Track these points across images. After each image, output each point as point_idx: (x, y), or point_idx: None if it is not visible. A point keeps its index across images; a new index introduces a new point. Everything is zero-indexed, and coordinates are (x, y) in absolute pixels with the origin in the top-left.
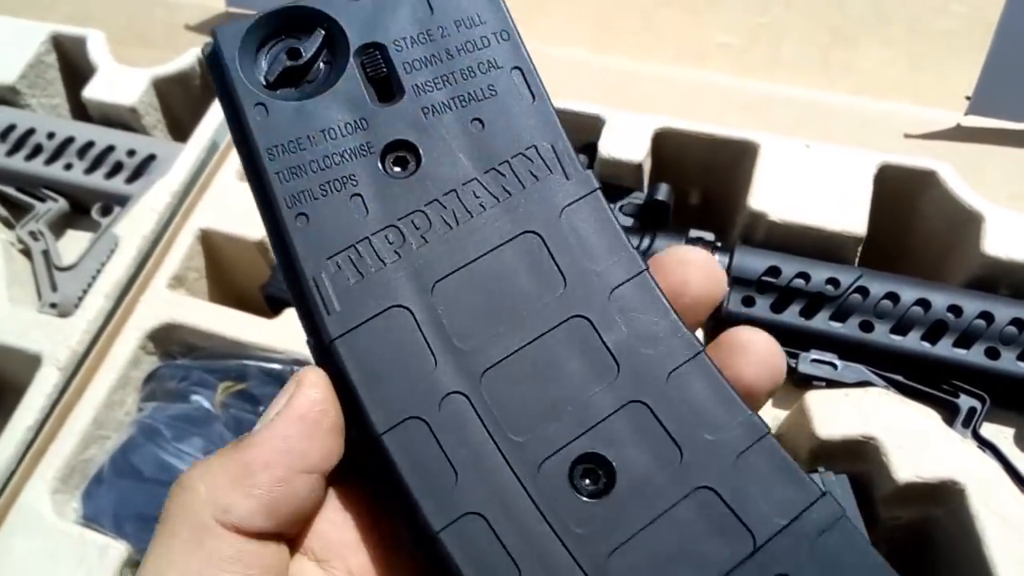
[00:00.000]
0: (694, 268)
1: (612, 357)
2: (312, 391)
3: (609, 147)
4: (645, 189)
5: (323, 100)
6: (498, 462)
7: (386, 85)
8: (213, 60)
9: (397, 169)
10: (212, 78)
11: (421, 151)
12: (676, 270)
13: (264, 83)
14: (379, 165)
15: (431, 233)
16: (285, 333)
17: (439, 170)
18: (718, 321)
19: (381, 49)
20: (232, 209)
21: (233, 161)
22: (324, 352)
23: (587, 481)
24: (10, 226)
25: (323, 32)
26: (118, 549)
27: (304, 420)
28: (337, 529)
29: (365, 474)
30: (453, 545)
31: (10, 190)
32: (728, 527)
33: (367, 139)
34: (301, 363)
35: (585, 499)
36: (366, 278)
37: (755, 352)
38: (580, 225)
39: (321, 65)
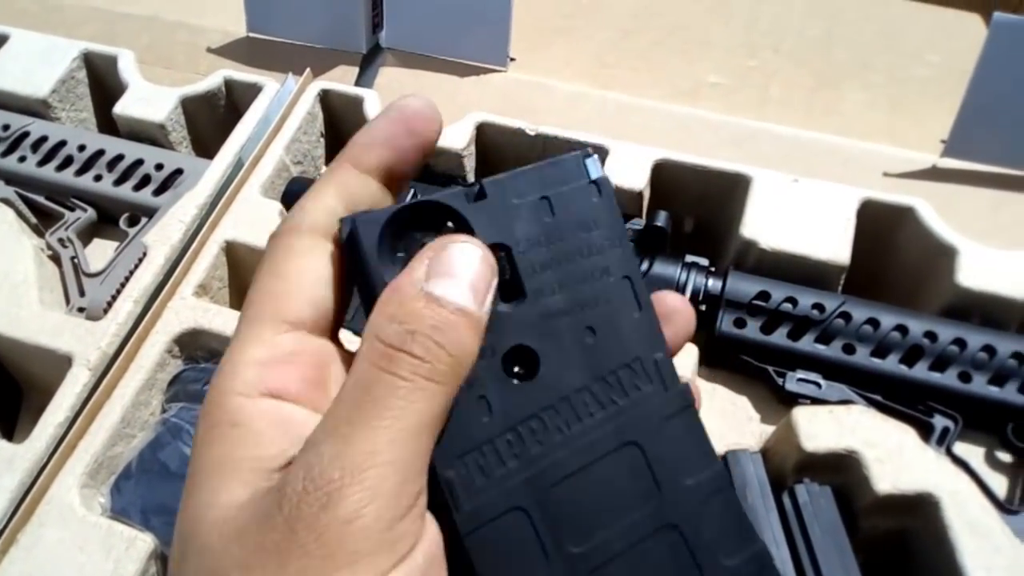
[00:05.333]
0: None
1: (698, 568)
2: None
3: (612, 176)
4: (644, 216)
5: None
6: None
7: (509, 286)
8: (352, 248)
9: (518, 372)
10: (348, 262)
11: (540, 357)
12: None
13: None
14: (501, 368)
15: (546, 438)
16: None
17: (555, 377)
18: (711, 341)
19: (507, 251)
20: (255, 223)
21: (257, 176)
22: (456, 545)
23: None
24: (40, 233)
25: (452, 229)
26: (145, 541)
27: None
28: None
29: None
30: None
31: (40, 199)
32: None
33: (492, 341)
34: None
35: None
36: (490, 479)
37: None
38: (676, 439)
39: None
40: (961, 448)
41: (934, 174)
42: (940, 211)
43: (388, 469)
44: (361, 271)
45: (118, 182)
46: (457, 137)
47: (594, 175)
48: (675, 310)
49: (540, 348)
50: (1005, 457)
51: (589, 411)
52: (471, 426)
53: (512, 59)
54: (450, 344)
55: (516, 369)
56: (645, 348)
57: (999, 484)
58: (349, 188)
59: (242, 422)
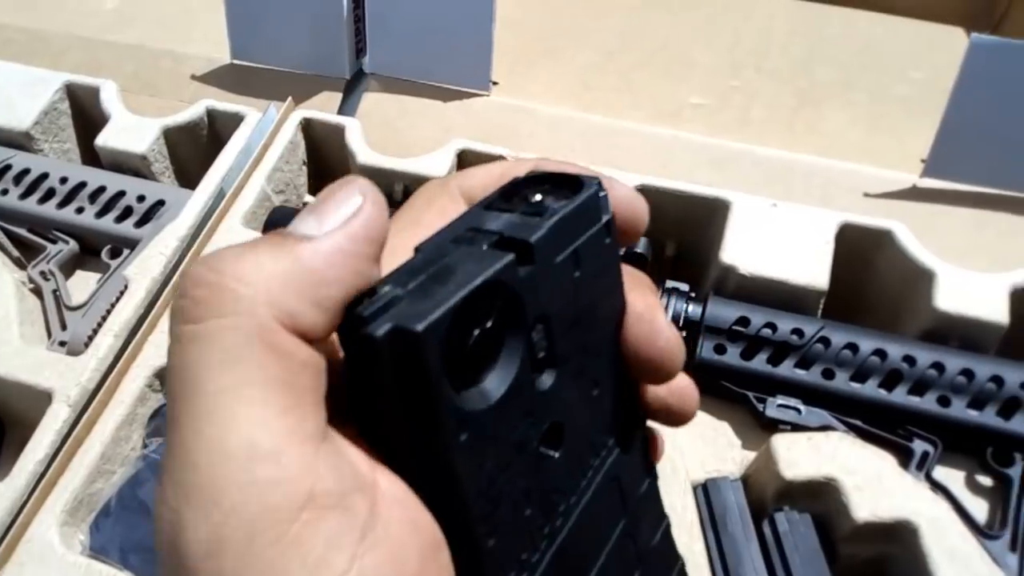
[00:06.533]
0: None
1: (638, 559)
2: (376, 208)
3: None
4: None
5: (509, 398)
6: None
7: (546, 362)
8: (403, 364)
9: (548, 451)
10: (385, 370)
11: (566, 430)
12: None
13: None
14: (538, 449)
15: (566, 505)
16: None
17: (575, 442)
18: (692, 369)
19: (546, 322)
20: None
21: (239, 207)
22: None
23: None
24: (22, 266)
25: (498, 307)
26: None
27: (369, 239)
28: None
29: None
30: None
31: (22, 231)
32: None
33: (531, 426)
34: None
35: None
36: (533, 572)
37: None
38: (634, 454)
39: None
40: (942, 472)
41: (914, 194)
42: (921, 231)
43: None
44: (416, 392)
45: (100, 214)
46: (438, 164)
47: (607, 214)
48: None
49: (566, 420)
50: (985, 480)
51: (592, 463)
52: (522, 532)
53: (495, 83)
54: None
55: (547, 450)
56: (622, 377)
57: (979, 508)
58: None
59: None
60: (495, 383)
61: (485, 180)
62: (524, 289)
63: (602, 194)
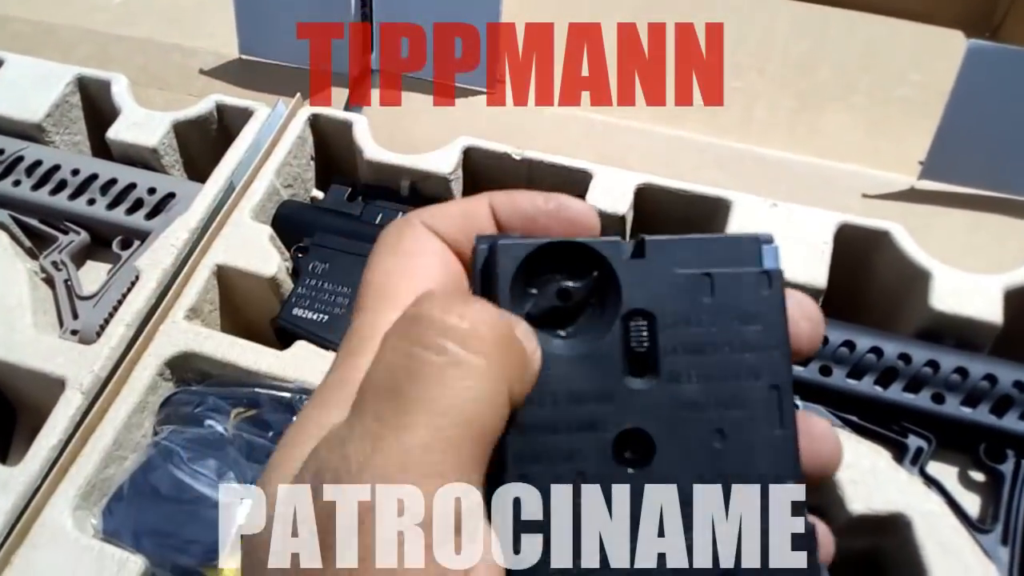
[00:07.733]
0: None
1: None
2: None
3: (596, 200)
4: (628, 239)
5: (580, 356)
6: None
7: (642, 359)
8: (485, 272)
9: (627, 457)
10: (473, 283)
11: (656, 447)
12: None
13: (526, 314)
14: (610, 446)
15: (639, 539)
16: (295, 364)
17: (667, 473)
18: None
19: (650, 319)
20: (246, 247)
21: (248, 201)
22: None
23: None
24: (34, 256)
25: (595, 278)
26: (136, 563)
27: None
28: None
29: None
30: None
31: (34, 222)
32: None
33: (608, 414)
34: (309, 391)
35: None
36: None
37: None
38: None
39: (585, 313)
40: (936, 467)
41: (912, 195)
42: (918, 232)
43: (428, 483)
44: (486, 298)
45: (111, 206)
46: (444, 161)
47: (768, 265)
48: (819, 437)
49: (659, 437)
50: (978, 476)
51: (697, 523)
52: (556, 502)
53: (501, 81)
54: (491, 318)
55: (627, 453)
56: (778, 471)
57: (972, 503)
58: (477, 219)
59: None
60: (573, 343)
61: (449, 212)
62: (625, 273)
63: (765, 245)
